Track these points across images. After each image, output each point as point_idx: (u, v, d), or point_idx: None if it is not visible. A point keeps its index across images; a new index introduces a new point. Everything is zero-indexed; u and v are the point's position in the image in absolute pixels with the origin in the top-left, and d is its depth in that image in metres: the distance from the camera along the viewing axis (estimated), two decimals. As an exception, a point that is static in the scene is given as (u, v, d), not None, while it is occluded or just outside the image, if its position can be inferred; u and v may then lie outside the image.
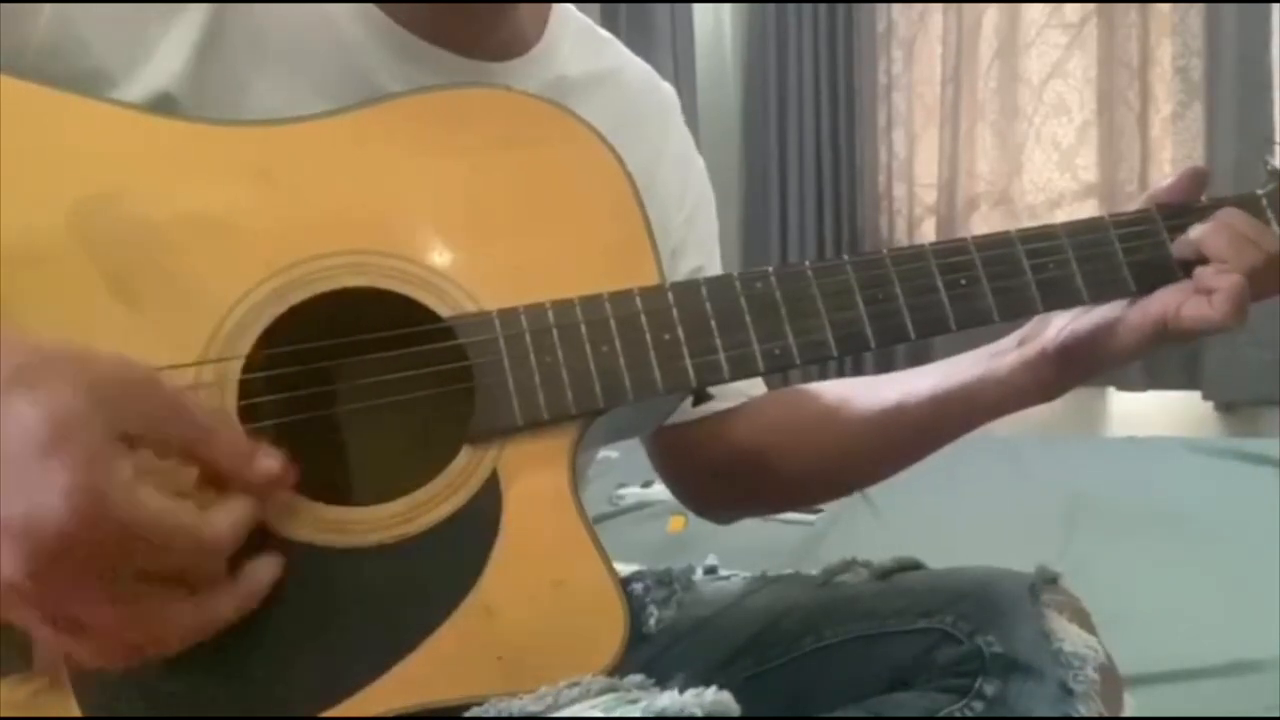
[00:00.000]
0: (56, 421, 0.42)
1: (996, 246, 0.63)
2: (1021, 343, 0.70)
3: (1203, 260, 0.64)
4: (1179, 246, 0.65)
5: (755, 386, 0.80)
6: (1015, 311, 0.64)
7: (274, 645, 0.51)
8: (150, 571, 0.45)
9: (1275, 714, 1.04)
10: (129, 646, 0.47)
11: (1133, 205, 0.68)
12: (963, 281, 0.62)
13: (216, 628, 0.48)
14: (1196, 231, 0.65)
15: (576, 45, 0.74)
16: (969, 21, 2.99)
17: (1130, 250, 0.65)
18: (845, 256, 0.62)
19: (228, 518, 0.48)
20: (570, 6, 0.76)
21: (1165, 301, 0.64)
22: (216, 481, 0.49)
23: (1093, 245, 0.65)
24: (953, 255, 0.63)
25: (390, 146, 0.58)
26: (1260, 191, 0.68)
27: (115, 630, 0.46)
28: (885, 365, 2.69)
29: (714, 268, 0.80)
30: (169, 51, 0.58)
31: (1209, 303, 0.62)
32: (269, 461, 0.50)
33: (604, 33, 0.79)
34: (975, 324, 0.63)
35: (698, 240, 0.80)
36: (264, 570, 0.50)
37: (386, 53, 0.64)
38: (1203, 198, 0.68)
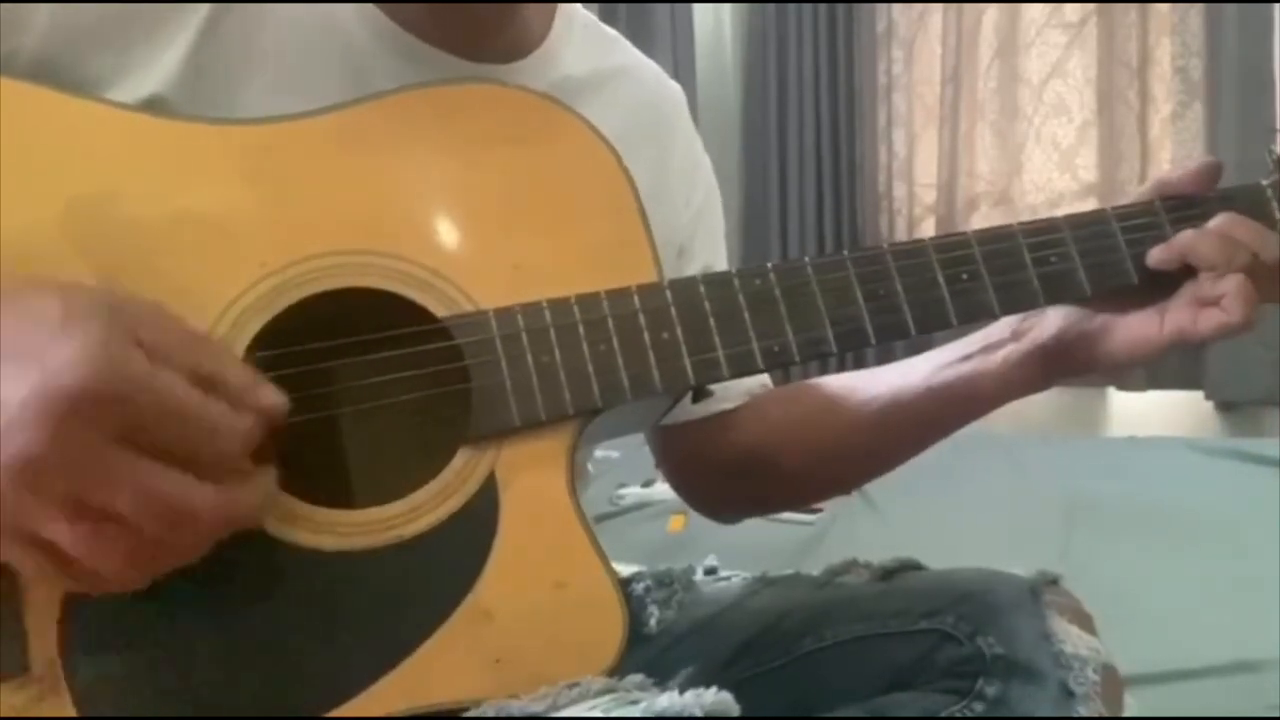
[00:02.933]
0: (75, 307, 0.42)
1: (998, 240, 0.63)
2: (1016, 333, 0.69)
3: (1188, 269, 0.63)
4: (1166, 251, 0.64)
5: (757, 383, 0.80)
6: (1017, 306, 0.63)
7: (272, 649, 0.51)
8: (168, 451, 0.44)
9: (1275, 714, 1.04)
10: (143, 544, 0.44)
11: (1135, 197, 0.67)
12: (964, 276, 0.62)
13: (234, 522, 0.47)
14: (1181, 242, 0.63)
15: (582, 44, 0.73)
16: (969, 21, 2.99)
17: (1133, 242, 0.64)
18: (845, 252, 0.61)
19: (241, 419, 0.47)
20: (575, 5, 0.75)
21: (1180, 321, 0.63)
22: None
23: (1095, 238, 0.64)
24: (954, 249, 0.62)
25: (385, 144, 0.57)
26: (1265, 182, 0.67)
27: (136, 518, 0.43)
28: (885, 361, 2.68)
29: (720, 268, 0.80)
30: (162, 56, 0.58)
31: (1221, 309, 0.61)
32: (275, 394, 0.49)
33: (610, 30, 0.79)
34: (976, 319, 0.63)
35: (705, 240, 0.80)
36: (270, 470, 0.50)
37: (389, 56, 0.63)
38: None
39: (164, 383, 0.44)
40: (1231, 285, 0.61)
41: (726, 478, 0.80)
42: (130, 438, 0.43)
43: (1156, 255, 0.64)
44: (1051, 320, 0.68)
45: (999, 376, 0.69)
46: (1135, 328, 0.65)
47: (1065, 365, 0.68)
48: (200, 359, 0.46)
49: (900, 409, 0.73)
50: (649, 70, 0.80)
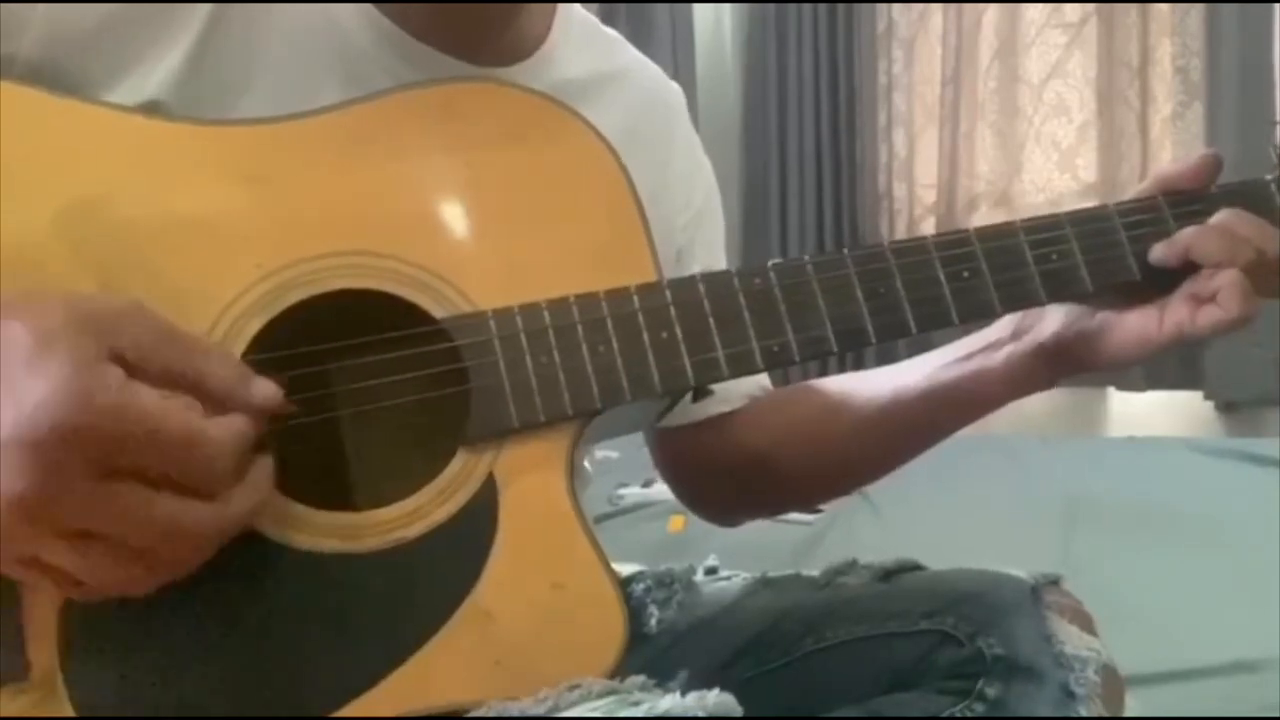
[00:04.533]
0: (43, 334, 0.41)
1: (999, 237, 0.63)
2: (1016, 332, 0.69)
3: (1191, 265, 0.63)
4: (1169, 247, 0.63)
5: (758, 385, 0.80)
6: (1018, 303, 0.63)
7: (271, 652, 0.51)
8: (156, 474, 0.44)
9: (1275, 714, 1.04)
10: (144, 561, 0.44)
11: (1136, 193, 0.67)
12: (965, 274, 0.61)
13: (233, 529, 0.47)
14: (1183, 238, 0.63)
15: (582, 46, 0.73)
16: (969, 21, 2.98)
17: (1135, 239, 0.64)
18: (845, 251, 0.61)
19: (229, 426, 0.46)
20: (576, 5, 0.75)
21: (1178, 318, 0.63)
22: (213, 407, 0.47)
23: (1097, 234, 0.64)
24: (955, 247, 0.62)
25: (382, 144, 0.57)
26: (1269, 177, 0.67)
27: (128, 537, 0.44)
28: (886, 360, 2.68)
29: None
30: (160, 60, 0.58)
31: (1217, 305, 0.61)
32: (268, 387, 0.49)
33: (610, 31, 0.78)
34: (978, 317, 0.62)
35: (705, 243, 0.79)
36: (267, 467, 0.49)
37: (389, 58, 0.63)
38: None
39: (140, 407, 0.43)
40: (1226, 280, 0.61)
41: (727, 480, 0.80)
42: (116, 466, 0.43)
43: (1159, 252, 0.64)
44: (1051, 319, 0.68)
45: (1000, 376, 0.69)
46: (1135, 326, 0.64)
47: (1066, 364, 0.68)
48: (182, 360, 0.46)
49: (901, 410, 0.73)
50: (649, 72, 0.80)
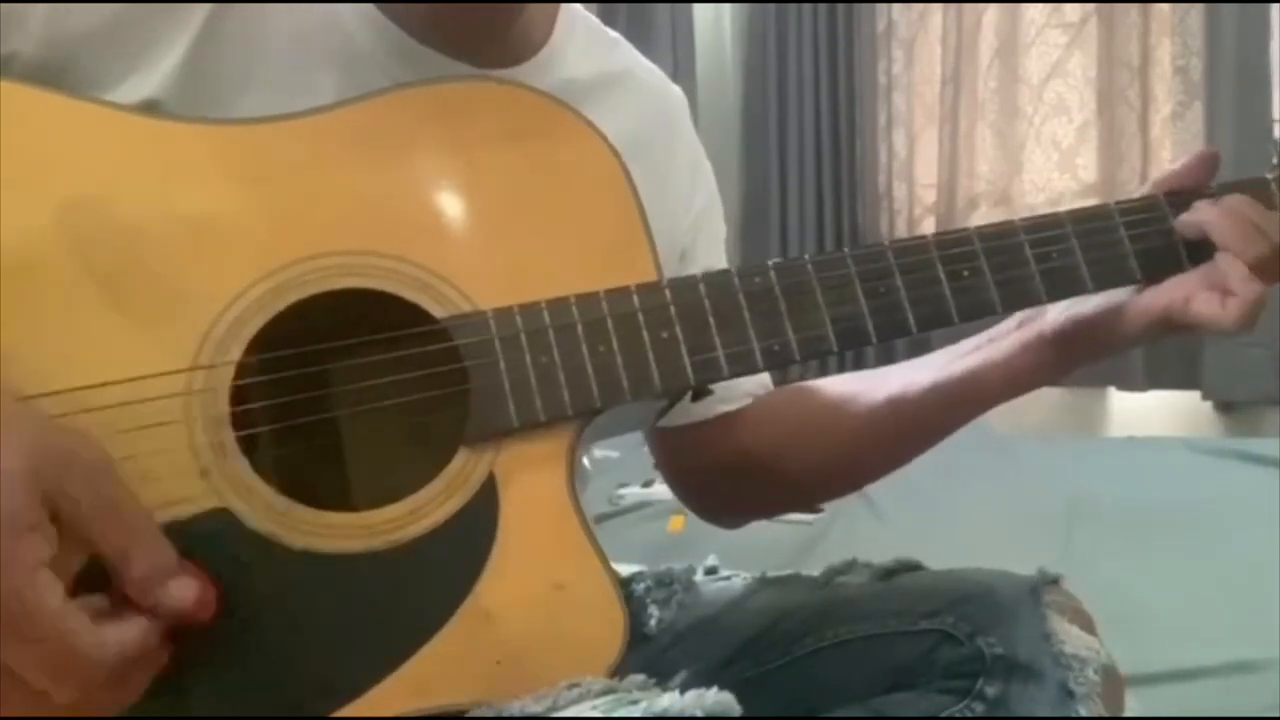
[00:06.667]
0: None
1: (1000, 236, 0.63)
2: (1021, 325, 0.69)
3: (1206, 243, 0.63)
4: (1182, 225, 0.64)
5: (759, 385, 0.80)
6: (1019, 303, 0.63)
7: (271, 652, 0.51)
8: (22, 661, 0.43)
9: (1275, 714, 1.04)
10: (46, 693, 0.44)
11: (1137, 195, 0.67)
12: (965, 273, 0.61)
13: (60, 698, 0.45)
14: (1204, 213, 0.64)
15: (584, 47, 0.73)
16: (969, 21, 2.98)
17: (1136, 238, 0.64)
18: (846, 249, 0.61)
19: (117, 637, 0.45)
20: (578, 6, 0.75)
21: (1173, 293, 0.63)
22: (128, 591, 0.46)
23: (1098, 233, 0.64)
24: (955, 246, 0.62)
25: (382, 143, 0.57)
26: (1270, 176, 0.67)
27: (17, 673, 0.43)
28: (886, 359, 2.68)
29: None
30: (159, 60, 0.57)
31: (1222, 304, 0.61)
32: (184, 591, 0.47)
33: (612, 33, 0.78)
34: (978, 316, 0.62)
35: (706, 244, 0.79)
36: (140, 676, 0.47)
37: (391, 60, 0.62)
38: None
39: (36, 604, 0.42)
40: (1249, 292, 0.61)
41: (728, 480, 0.80)
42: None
43: (1180, 222, 0.64)
44: (1055, 308, 0.68)
45: (1003, 369, 0.69)
46: (1134, 304, 0.65)
47: (1069, 353, 0.68)
48: (114, 538, 0.45)
49: (906, 406, 0.72)
50: (652, 74, 0.79)
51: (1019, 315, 0.70)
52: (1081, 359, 0.68)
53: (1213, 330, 0.62)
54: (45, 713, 0.44)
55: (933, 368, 0.72)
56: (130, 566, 0.46)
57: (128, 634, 0.45)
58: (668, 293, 0.58)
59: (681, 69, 3.03)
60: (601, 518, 1.75)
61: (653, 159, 0.69)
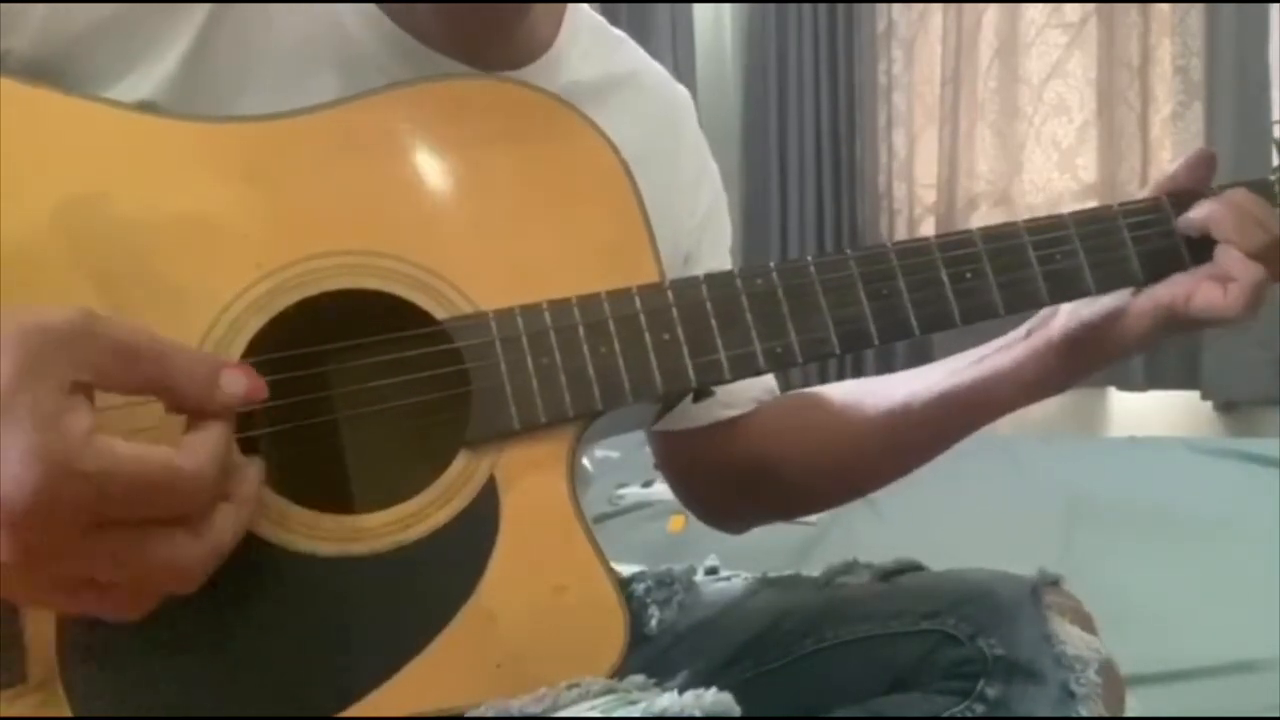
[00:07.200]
0: None
1: (1002, 238, 0.62)
2: (1029, 333, 0.69)
3: (1208, 243, 0.63)
4: (1184, 223, 0.64)
5: (765, 390, 0.79)
6: (1021, 305, 0.63)
7: (273, 656, 0.51)
8: (142, 517, 0.43)
9: (1275, 714, 1.04)
10: (147, 591, 0.45)
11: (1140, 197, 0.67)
12: (968, 275, 0.61)
13: (226, 550, 0.46)
14: (1204, 209, 0.64)
15: (590, 48, 0.72)
16: (969, 21, 2.98)
17: (1139, 240, 0.64)
18: (848, 251, 0.61)
19: (203, 447, 0.44)
20: (584, 6, 0.74)
21: (1175, 290, 0.63)
22: (187, 411, 0.46)
23: (1101, 235, 0.64)
24: (958, 248, 0.62)
25: (383, 141, 0.57)
26: (1272, 177, 0.67)
27: (127, 580, 0.44)
28: (886, 360, 2.69)
29: None
30: (157, 60, 0.57)
31: (1224, 292, 0.61)
32: (236, 383, 0.46)
33: (617, 32, 0.77)
34: (980, 318, 0.62)
35: (711, 246, 0.79)
36: (252, 474, 0.48)
37: (393, 61, 0.62)
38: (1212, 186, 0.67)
39: (112, 461, 0.41)
40: (1249, 276, 0.61)
41: (732, 485, 0.80)
42: (100, 518, 0.42)
43: (1183, 221, 0.65)
44: (1063, 314, 0.68)
45: (1012, 377, 0.69)
46: (1137, 305, 0.65)
47: (1079, 357, 0.67)
48: (147, 373, 0.44)
49: (913, 415, 0.72)
50: (657, 75, 0.79)
51: (1028, 324, 0.69)
52: (1090, 365, 0.68)
53: (1217, 321, 0.62)
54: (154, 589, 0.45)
55: (939, 376, 0.72)
56: (180, 387, 0.45)
57: (209, 438, 0.45)
58: (670, 294, 0.57)
59: (681, 69, 3.03)
60: (601, 518, 1.75)
61: (659, 161, 0.69)
